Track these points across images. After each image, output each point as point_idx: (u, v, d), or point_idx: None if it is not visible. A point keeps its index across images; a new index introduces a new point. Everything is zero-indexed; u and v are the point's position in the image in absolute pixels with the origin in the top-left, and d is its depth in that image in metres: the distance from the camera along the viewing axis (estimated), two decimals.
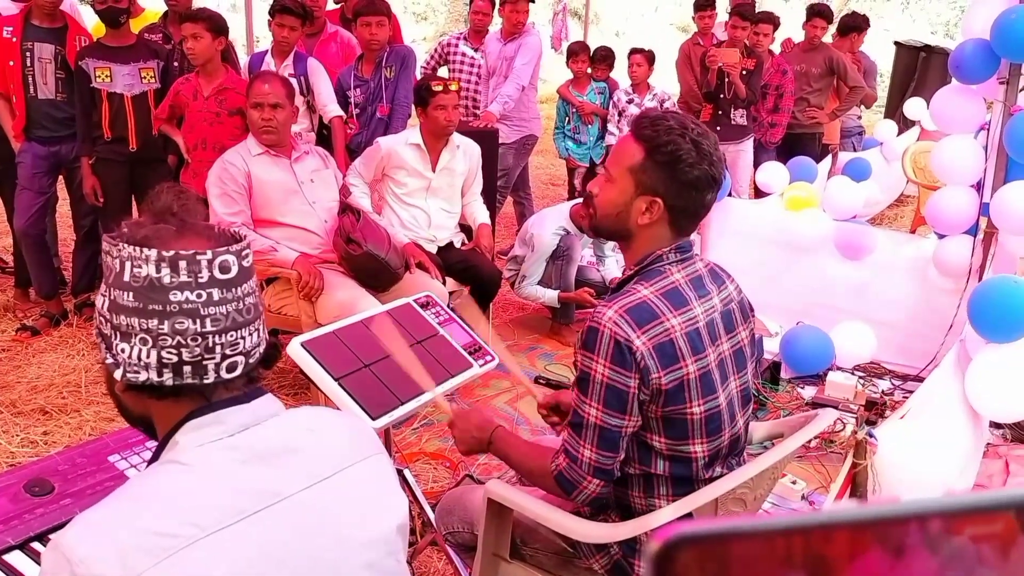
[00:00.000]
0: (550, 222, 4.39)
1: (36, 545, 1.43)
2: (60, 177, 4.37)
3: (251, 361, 1.09)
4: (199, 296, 1.02)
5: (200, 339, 1.02)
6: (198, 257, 1.02)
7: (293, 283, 3.31)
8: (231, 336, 1.05)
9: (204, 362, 1.03)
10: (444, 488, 2.92)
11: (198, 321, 1.02)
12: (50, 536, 1.44)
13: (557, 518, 1.69)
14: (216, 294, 1.03)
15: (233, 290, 1.05)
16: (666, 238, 1.69)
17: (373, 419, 2.06)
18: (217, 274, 1.03)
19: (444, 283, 3.76)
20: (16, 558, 1.40)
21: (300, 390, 3.61)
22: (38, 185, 4.17)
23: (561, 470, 1.65)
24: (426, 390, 2.10)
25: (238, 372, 1.07)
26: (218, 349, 1.04)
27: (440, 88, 3.83)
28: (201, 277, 1.02)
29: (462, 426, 1.92)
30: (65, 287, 4.60)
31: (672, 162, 1.61)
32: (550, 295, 4.38)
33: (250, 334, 1.08)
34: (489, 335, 2.90)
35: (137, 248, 1.01)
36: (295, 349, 2.13)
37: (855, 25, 6.60)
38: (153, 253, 1.00)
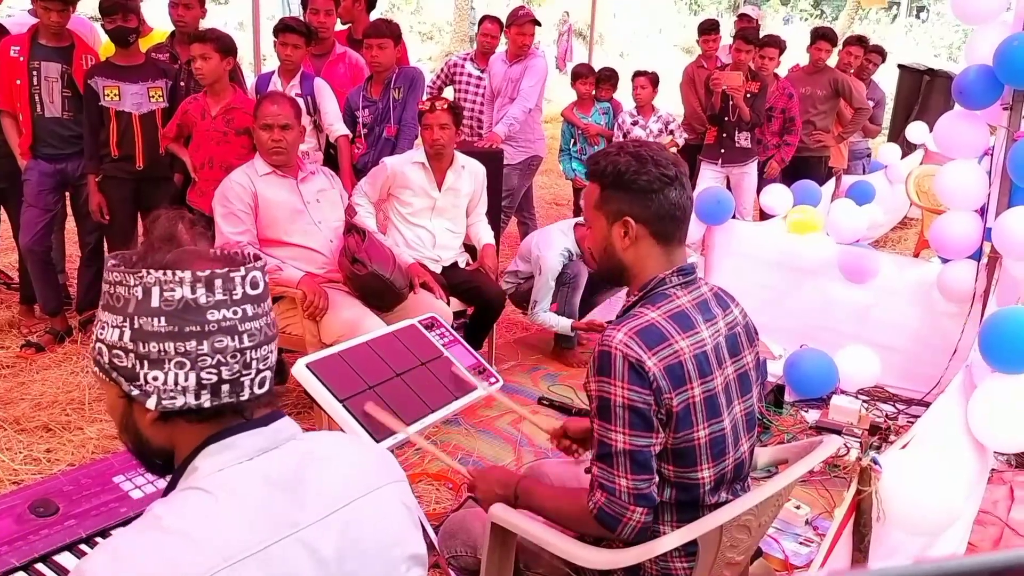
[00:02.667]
0: (556, 243, 4.34)
1: (40, 567, 1.43)
2: (67, 194, 4.40)
3: (273, 375, 1.11)
4: (235, 313, 1.03)
5: (239, 355, 1.04)
6: (232, 275, 1.03)
7: (298, 303, 3.32)
8: (264, 350, 1.07)
9: (242, 379, 1.05)
10: (447, 509, 2.91)
11: (236, 338, 1.03)
12: (55, 558, 1.44)
13: (561, 543, 1.68)
14: (250, 310, 1.05)
15: (262, 305, 1.07)
16: (659, 255, 1.72)
17: (377, 441, 2.07)
18: (249, 290, 1.05)
19: (448, 303, 3.77)
20: None
21: (303, 409, 3.61)
22: (44, 202, 4.20)
23: (601, 506, 1.63)
24: (446, 463, 2.07)
25: (267, 387, 1.09)
26: (254, 364, 1.06)
27: (427, 107, 3.86)
28: (235, 294, 1.04)
29: (484, 487, 1.90)
30: (70, 304, 4.61)
31: (619, 179, 1.68)
32: (563, 324, 4.35)
33: (274, 348, 1.11)
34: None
35: (168, 272, 1.01)
36: (300, 370, 2.14)
37: (857, 39, 6.68)
38: (187, 275, 1.01)
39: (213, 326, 1.02)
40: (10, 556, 1.41)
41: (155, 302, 1.01)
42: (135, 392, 1.03)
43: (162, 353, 1.01)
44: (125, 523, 1.56)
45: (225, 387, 1.04)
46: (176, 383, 1.02)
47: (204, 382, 1.02)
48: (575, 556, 1.67)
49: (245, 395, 1.06)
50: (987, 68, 3.45)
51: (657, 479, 1.63)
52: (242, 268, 1.04)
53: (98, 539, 1.51)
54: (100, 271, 4.48)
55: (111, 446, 3.26)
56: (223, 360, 1.03)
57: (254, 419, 1.08)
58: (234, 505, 0.99)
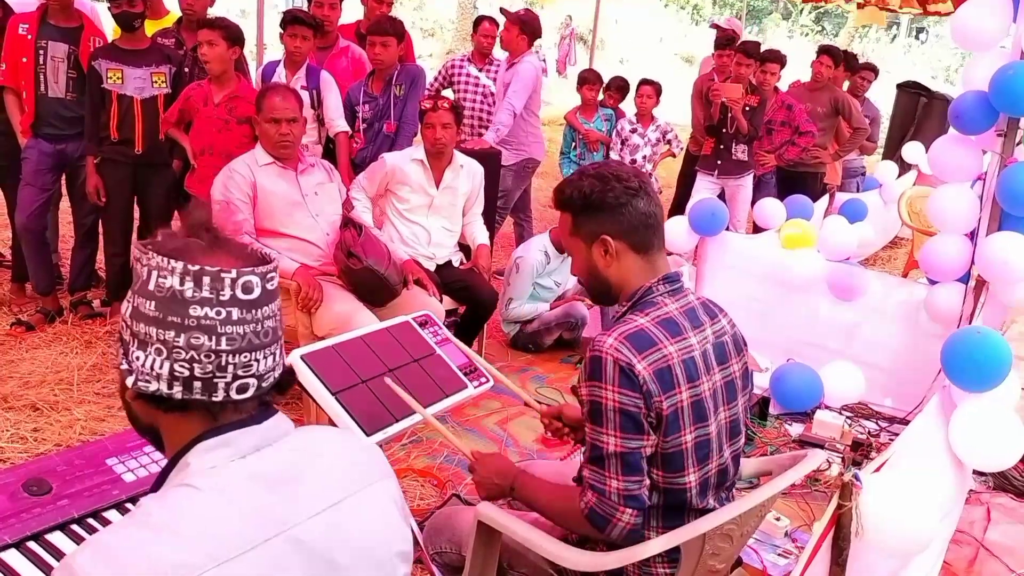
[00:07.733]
0: (535, 243, 4.65)
1: (32, 545, 1.44)
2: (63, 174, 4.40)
3: (264, 384, 1.09)
4: (218, 313, 1.03)
5: (213, 356, 1.03)
6: (222, 275, 1.03)
7: (292, 294, 3.34)
8: (245, 357, 1.05)
9: (215, 380, 1.04)
10: (431, 506, 2.93)
11: (214, 338, 1.03)
12: (47, 537, 1.46)
13: (546, 544, 1.71)
14: (236, 313, 1.04)
15: (253, 311, 1.05)
16: (641, 266, 1.77)
17: (368, 435, 2.09)
18: (239, 294, 1.04)
19: (441, 301, 3.79)
20: (12, 557, 1.41)
21: (292, 399, 3.62)
22: (41, 182, 4.19)
23: (592, 506, 1.66)
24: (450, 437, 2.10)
25: (249, 394, 1.07)
26: (230, 369, 1.04)
27: (429, 107, 3.89)
28: (223, 295, 1.03)
29: (483, 472, 1.92)
30: (62, 284, 4.61)
31: (586, 202, 1.75)
32: (541, 306, 4.57)
33: (265, 357, 1.08)
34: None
35: (165, 259, 1.02)
36: (295, 361, 2.15)
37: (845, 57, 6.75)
38: (179, 265, 1.02)
39: (192, 321, 1.02)
40: (3, 533, 1.43)
41: (151, 285, 1.03)
42: (124, 366, 1.06)
43: (147, 336, 1.03)
44: (117, 505, 1.58)
45: (197, 384, 1.03)
46: (152, 368, 1.03)
47: (176, 374, 1.03)
48: (559, 557, 1.69)
49: (219, 396, 1.05)
50: (983, 94, 3.49)
51: (648, 482, 1.66)
52: (233, 270, 1.03)
53: (90, 520, 1.53)
54: (94, 253, 4.50)
55: (99, 428, 3.27)
56: (196, 357, 1.02)
57: (246, 417, 1.08)
58: (224, 504, 1.00)
